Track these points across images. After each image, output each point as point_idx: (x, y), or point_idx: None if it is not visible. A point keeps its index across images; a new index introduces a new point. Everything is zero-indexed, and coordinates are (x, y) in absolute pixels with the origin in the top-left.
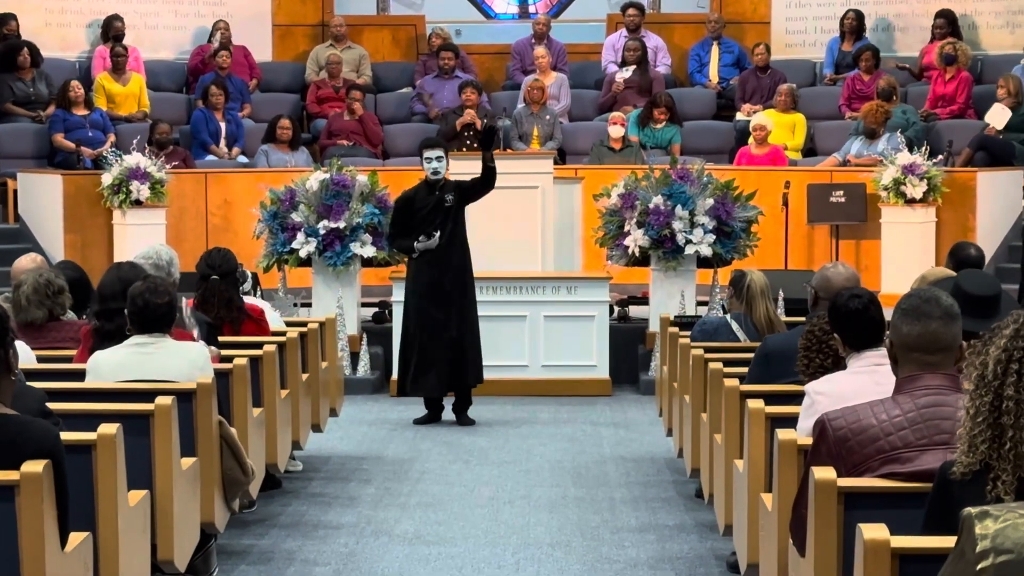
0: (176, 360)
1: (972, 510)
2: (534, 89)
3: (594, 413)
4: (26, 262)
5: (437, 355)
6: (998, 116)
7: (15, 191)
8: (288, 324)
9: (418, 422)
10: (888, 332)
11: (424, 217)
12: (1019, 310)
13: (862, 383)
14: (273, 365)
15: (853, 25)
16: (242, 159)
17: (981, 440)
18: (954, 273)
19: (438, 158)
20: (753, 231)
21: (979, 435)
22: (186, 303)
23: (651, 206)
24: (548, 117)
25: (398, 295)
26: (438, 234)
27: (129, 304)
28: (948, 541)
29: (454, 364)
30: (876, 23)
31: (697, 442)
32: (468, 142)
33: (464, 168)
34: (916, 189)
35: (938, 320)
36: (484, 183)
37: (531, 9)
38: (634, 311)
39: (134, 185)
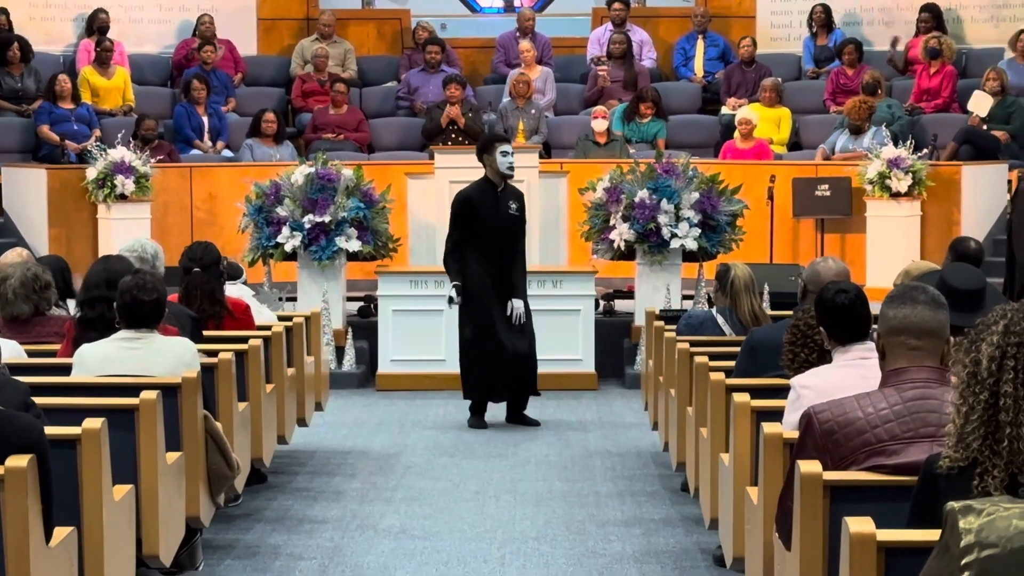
0: (163, 356)
1: (955, 504)
2: (520, 83)
3: (580, 407)
4: (12, 256)
5: (500, 365)
6: (980, 103)
7: (0, 185)
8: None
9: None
10: (877, 323)
11: (486, 229)
12: (1005, 305)
13: (848, 377)
14: (258, 359)
15: (822, 18)
16: (227, 153)
17: (973, 437)
18: (938, 266)
19: (512, 153)
20: (738, 225)
21: (972, 432)
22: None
23: (636, 200)
24: (534, 111)
25: (384, 289)
26: (459, 300)
27: (118, 299)
28: (934, 534)
29: (517, 377)
30: (858, 16)
31: (683, 436)
32: (454, 136)
33: (451, 163)
34: (901, 183)
35: (924, 304)
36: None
37: (516, 3)
38: (620, 305)
39: (119, 179)
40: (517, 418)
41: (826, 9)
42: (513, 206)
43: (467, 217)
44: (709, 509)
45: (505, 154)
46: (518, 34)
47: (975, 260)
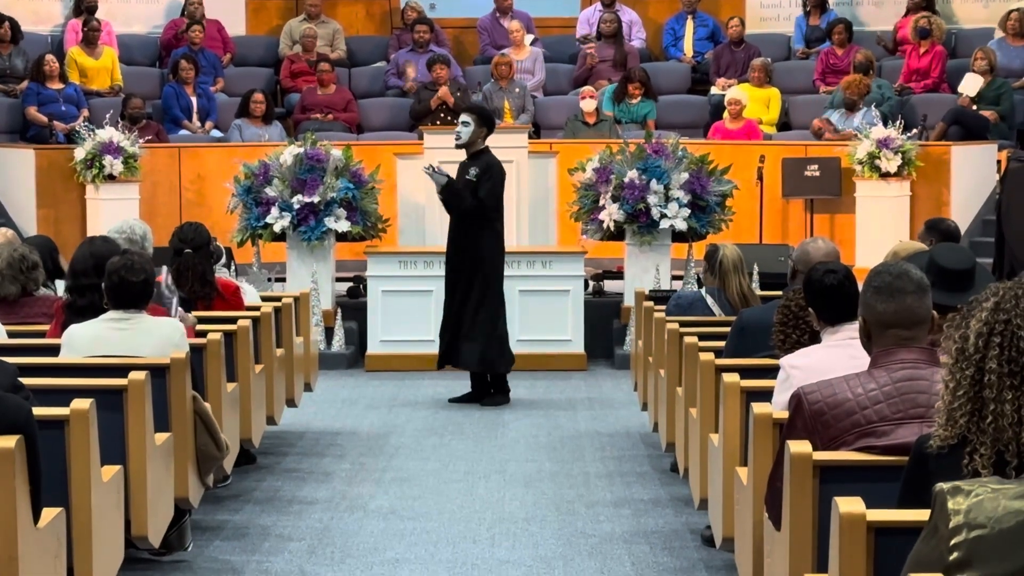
0: (151, 337)
1: (944, 485)
2: (500, 64)
3: (569, 388)
4: None
5: (449, 329)
6: (970, 84)
7: None
8: (262, 299)
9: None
10: (860, 309)
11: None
12: (997, 283)
13: (837, 357)
14: (247, 340)
15: None
16: (216, 133)
17: (961, 414)
18: (925, 247)
19: (463, 122)
20: (728, 205)
21: (959, 408)
22: (167, 272)
23: (626, 180)
24: (518, 90)
25: (373, 269)
26: (440, 171)
27: (106, 280)
28: (924, 515)
29: (452, 342)
30: None
31: (672, 416)
32: (443, 115)
33: (440, 143)
34: (890, 163)
35: (912, 295)
36: (445, 203)
37: None
38: (609, 286)
39: (107, 159)
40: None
41: None
42: (472, 171)
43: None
44: (698, 489)
45: (455, 125)
46: (497, 14)
47: (953, 238)
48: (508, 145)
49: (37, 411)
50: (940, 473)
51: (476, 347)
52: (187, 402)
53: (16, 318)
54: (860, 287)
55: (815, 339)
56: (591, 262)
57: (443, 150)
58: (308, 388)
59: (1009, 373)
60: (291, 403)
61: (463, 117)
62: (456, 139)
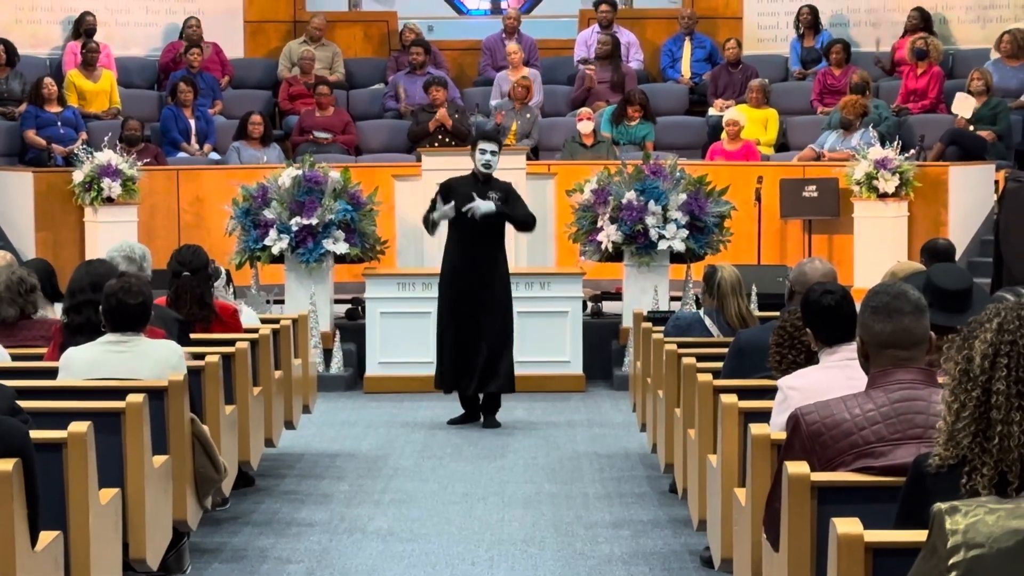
0: (149, 360)
1: (942, 505)
2: (520, 87)
3: (568, 409)
4: None
5: (470, 358)
6: (963, 105)
7: None
8: (261, 321)
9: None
10: (858, 330)
11: (460, 204)
12: (998, 304)
13: (835, 378)
14: (245, 362)
15: (809, 20)
16: (214, 156)
17: (964, 435)
18: (923, 267)
19: (492, 152)
20: (726, 226)
21: (962, 429)
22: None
23: (624, 201)
24: (529, 116)
25: (371, 291)
26: (451, 204)
27: (103, 302)
28: (922, 535)
29: (485, 368)
30: (845, 18)
31: (671, 437)
32: (440, 137)
33: (439, 165)
34: (888, 183)
35: (909, 315)
36: (521, 227)
37: (503, 5)
38: (607, 307)
39: (106, 182)
40: (488, 419)
41: (812, 10)
42: (494, 195)
43: (443, 195)
44: (697, 510)
45: (483, 152)
46: (503, 36)
47: (950, 256)
48: (507, 167)
49: (35, 434)
50: (938, 492)
51: (506, 367)
52: (185, 424)
53: (14, 341)
54: (858, 308)
55: (811, 360)
56: (589, 283)
57: (441, 172)
58: (307, 410)
59: (1017, 394)
60: (289, 425)
61: (492, 147)
62: (487, 167)
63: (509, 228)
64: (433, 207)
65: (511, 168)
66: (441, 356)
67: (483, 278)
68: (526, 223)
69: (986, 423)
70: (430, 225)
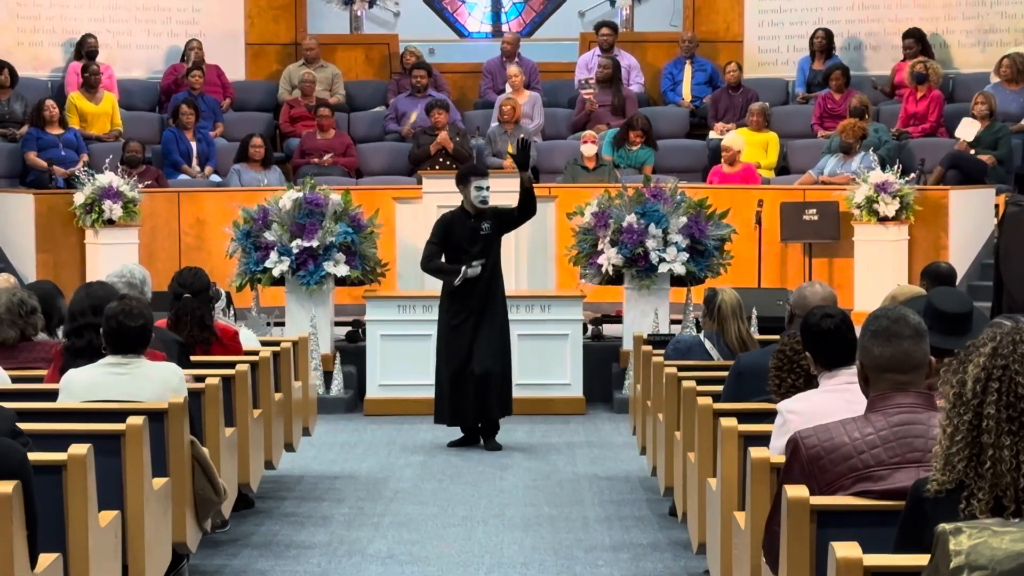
0: (150, 382)
1: (946, 526)
2: (507, 107)
3: (568, 432)
4: None
5: (467, 386)
6: (968, 128)
7: None
8: (261, 343)
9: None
10: (858, 353)
11: (460, 245)
12: (994, 328)
13: (834, 402)
14: (245, 385)
15: (823, 44)
16: (215, 178)
17: (959, 459)
18: (923, 291)
19: (488, 187)
20: (726, 249)
21: (956, 453)
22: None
23: (624, 224)
24: (522, 136)
25: (372, 314)
26: (482, 263)
27: (104, 325)
28: (921, 559)
29: (480, 396)
30: (847, 41)
31: (671, 460)
32: (442, 160)
33: (439, 187)
34: (888, 207)
35: (909, 339)
36: (524, 210)
37: (504, 28)
38: (608, 329)
39: (106, 204)
40: (485, 440)
41: (828, 35)
42: (485, 226)
43: (444, 236)
44: (697, 534)
45: (480, 188)
46: (504, 59)
47: (951, 280)
48: (506, 189)
49: (35, 456)
50: (937, 517)
51: (504, 392)
52: (185, 447)
53: (15, 363)
54: (858, 331)
55: (810, 384)
56: (590, 306)
57: (442, 194)
58: (307, 432)
59: (1007, 419)
60: (289, 447)
61: (487, 183)
62: (484, 203)
63: (506, 249)
64: (445, 269)
65: (510, 191)
66: (440, 389)
67: (482, 300)
68: (527, 210)
69: (978, 447)
70: (453, 281)
